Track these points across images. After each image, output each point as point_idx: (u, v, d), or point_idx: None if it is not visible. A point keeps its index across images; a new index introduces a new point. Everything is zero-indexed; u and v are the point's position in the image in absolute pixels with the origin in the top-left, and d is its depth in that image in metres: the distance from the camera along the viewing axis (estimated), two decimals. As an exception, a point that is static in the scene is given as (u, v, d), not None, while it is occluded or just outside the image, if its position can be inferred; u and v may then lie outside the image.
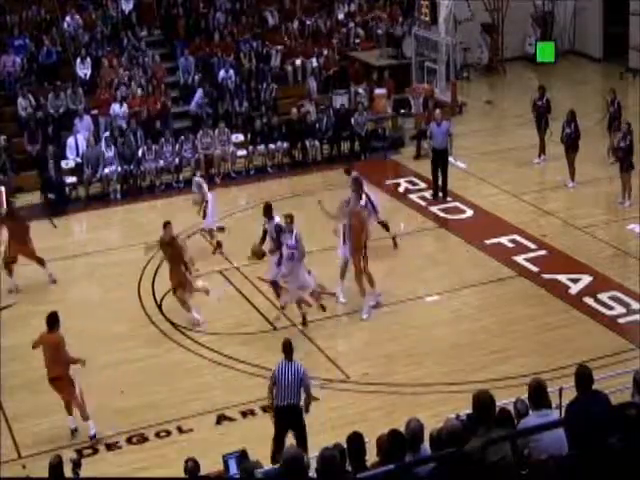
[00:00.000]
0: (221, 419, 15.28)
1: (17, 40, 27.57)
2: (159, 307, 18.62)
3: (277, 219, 17.95)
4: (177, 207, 22.91)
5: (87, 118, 25.65)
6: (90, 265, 20.94)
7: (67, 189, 24.19)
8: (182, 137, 25.19)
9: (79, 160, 24.59)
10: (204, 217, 20.97)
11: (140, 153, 24.71)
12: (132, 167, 24.56)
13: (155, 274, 19.74)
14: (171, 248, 18.10)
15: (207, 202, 20.96)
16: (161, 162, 24.68)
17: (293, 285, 17.60)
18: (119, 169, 24.36)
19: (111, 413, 15.58)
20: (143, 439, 15.01)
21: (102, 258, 21.04)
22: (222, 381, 16.41)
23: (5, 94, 26.49)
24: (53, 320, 15.01)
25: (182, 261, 18.02)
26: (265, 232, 18.06)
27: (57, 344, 14.88)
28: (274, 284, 17.97)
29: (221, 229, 21.34)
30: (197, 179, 21.75)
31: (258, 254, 18.30)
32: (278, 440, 13.29)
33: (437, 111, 24.03)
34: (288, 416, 13.40)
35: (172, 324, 18.15)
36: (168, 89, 27.36)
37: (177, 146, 25.01)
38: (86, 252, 21.60)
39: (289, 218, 17.44)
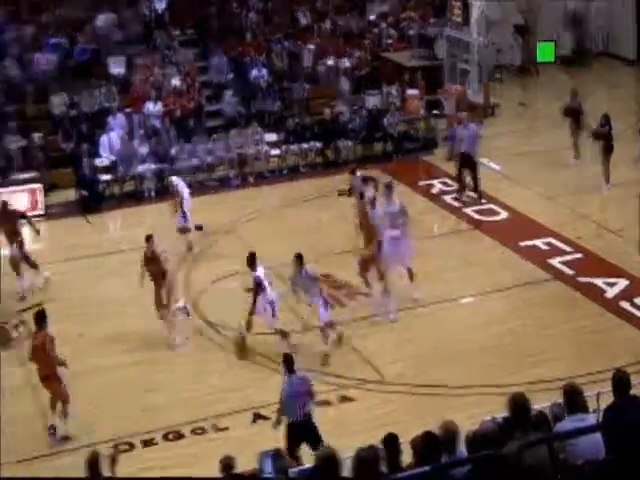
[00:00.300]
0: (257, 418, 15.30)
1: (52, 39, 27.73)
2: (194, 304, 18.65)
3: (260, 270, 16.91)
4: (210, 205, 23.01)
5: (120, 116, 25.77)
6: (123, 262, 20.98)
7: (101, 186, 24.29)
8: (215, 136, 25.29)
9: (113, 158, 24.74)
10: (183, 216, 20.86)
11: (173, 151, 24.84)
12: (166, 165, 24.68)
13: (189, 271, 19.82)
14: (153, 263, 17.62)
15: (184, 201, 20.93)
16: (194, 161, 24.81)
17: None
18: (153, 167, 24.49)
19: (144, 411, 15.68)
20: (179, 436, 15.09)
21: (135, 255, 21.05)
22: (257, 380, 16.39)
23: (40, 92, 26.63)
24: (40, 318, 15.11)
25: (163, 280, 17.53)
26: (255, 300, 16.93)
27: (44, 342, 14.97)
28: (281, 332, 17.18)
29: (199, 228, 21.40)
30: (173, 179, 21.79)
31: (241, 350, 17.11)
32: (292, 452, 13.21)
33: (463, 113, 24.01)
34: (302, 430, 13.45)
35: (206, 322, 18.18)
36: (201, 88, 27.46)
37: (210, 145, 25.13)
38: (120, 249, 21.68)
39: (298, 259, 16.78)
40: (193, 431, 15.20)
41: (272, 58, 28.49)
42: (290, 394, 13.44)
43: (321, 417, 15.21)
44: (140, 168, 24.34)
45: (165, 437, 15.09)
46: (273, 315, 16.91)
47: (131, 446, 14.87)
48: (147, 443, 14.97)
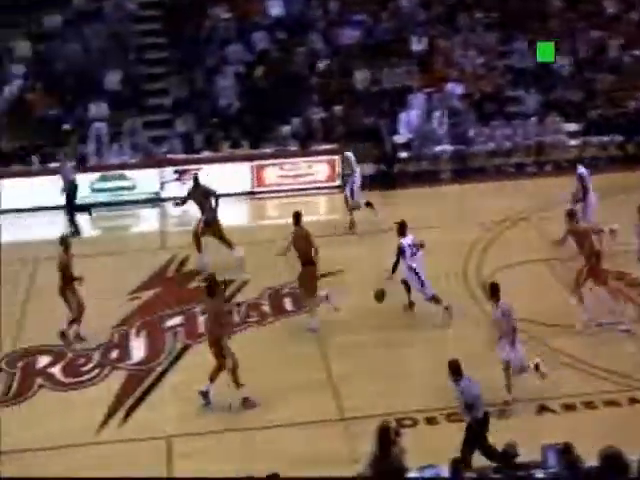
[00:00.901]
0: (541, 409, 15.07)
1: (356, 15, 28.27)
2: (482, 289, 18.56)
3: (408, 239, 17.49)
4: (505, 192, 22.84)
5: (421, 95, 26.04)
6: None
7: (398, 163, 24.59)
8: (514, 121, 25.15)
9: (410, 136, 25.03)
10: (351, 195, 21.37)
11: (471, 134, 24.86)
12: (463, 147, 24.74)
13: (480, 258, 19.75)
14: (305, 243, 17.38)
15: (355, 178, 21.31)
16: (491, 145, 24.76)
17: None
18: (450, 148, 24.61)
19: (432, 389, 15.76)
20: (459, 419, 15.08)
21: (426, 235, 21.08)
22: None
23: (342, 67, 27.24)
24: (212, 286, 15.57)
25: (310, 259, 17.39)
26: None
27: (216, 311, 15.48)
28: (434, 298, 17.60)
29: (369, 205, 21.49)
30: (347, 154, 22.05)
31: (379, 296, 17.55)
32: (485, 448, 13.21)
33: None
34: (486, 423, 13.43)
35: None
36: (503, 72, 27.29)
37: (508, 130, 25.00)
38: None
39: (493, 289, 15.53)
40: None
41: (576, 46, 27.92)
42: (471, 394, 13.37)
43: (609, 418, 14.96)
44: (437, 148, 24.53)
45: (447, 417, 15.07)
46: (420, 282, 17.42)
47: (414, 422, 15.02)
48: (430, 421, 15.09)
